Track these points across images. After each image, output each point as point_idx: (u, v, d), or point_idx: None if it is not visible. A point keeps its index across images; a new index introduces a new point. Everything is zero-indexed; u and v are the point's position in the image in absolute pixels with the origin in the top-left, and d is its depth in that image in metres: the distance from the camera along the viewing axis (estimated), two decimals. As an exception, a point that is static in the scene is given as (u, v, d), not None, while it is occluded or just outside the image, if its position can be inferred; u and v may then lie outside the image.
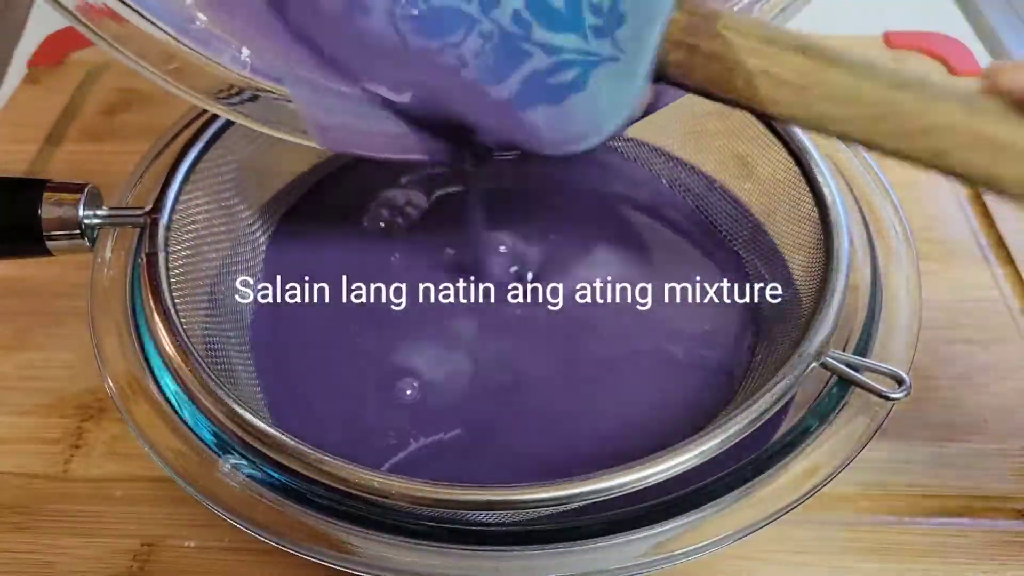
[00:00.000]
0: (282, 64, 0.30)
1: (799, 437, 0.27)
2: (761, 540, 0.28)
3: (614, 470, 0.24)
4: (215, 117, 0.34)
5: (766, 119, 0.34)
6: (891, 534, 0.31)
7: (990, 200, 0.42)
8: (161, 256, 0.30)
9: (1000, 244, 0.41)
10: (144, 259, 0.30)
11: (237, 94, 0.30)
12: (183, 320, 0.28)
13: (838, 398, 0.28)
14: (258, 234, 0.37)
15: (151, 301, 0.29)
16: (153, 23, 0.28)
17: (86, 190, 0.31)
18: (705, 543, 0.25)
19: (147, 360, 0.29)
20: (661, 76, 0.26)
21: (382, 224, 0.39)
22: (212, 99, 0.30)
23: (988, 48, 0.54)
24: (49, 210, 0.30)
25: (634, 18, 0.26)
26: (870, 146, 0.23)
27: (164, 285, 0.29)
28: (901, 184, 0.35)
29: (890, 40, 0.53)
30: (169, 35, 0.29)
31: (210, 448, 0.27)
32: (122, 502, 0.32)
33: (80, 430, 0.34)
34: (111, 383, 0.28)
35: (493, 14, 0.27)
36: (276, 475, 0.26)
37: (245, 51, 0.30)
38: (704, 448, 0.25)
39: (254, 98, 0.30)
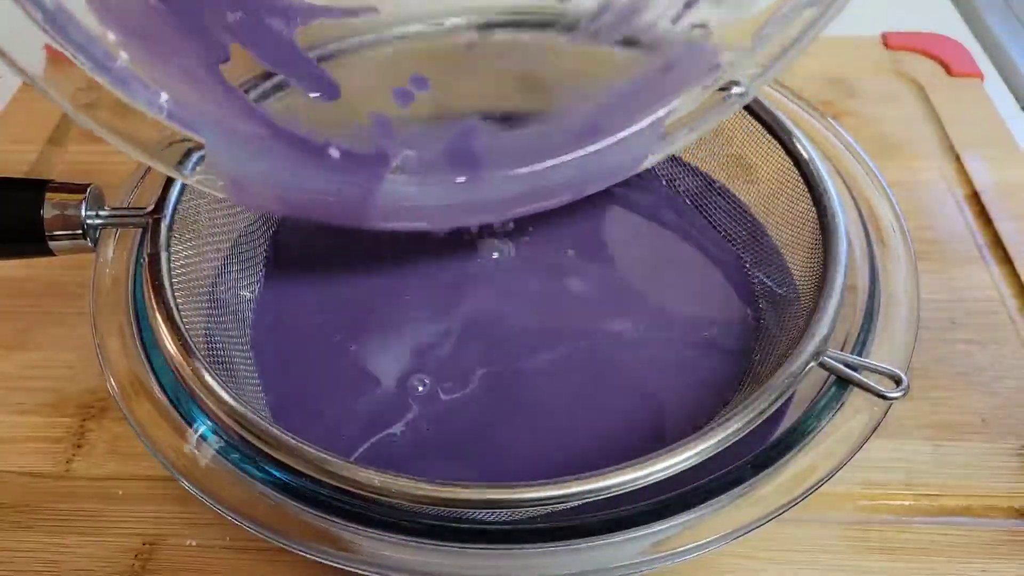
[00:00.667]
0: (202, 112, 0.28)
1: (798, 436, 0.27)
2: (760, 539, 0.28)
3: (613, 469, 0.24)
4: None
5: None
6: (890, 533, 0.31)
7: (987, 199, 0.43)
8: (163, 256, 0.30)
9: (997, 243, 0.41)
10: (146, 259, 0.30)
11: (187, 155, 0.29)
12: (185, 319, 0.28)
13: (836, 397, 0.28)
14: (258, 233, 0.37)
15: (153, 301, 0.29)
16: (74, 54, 0.26)
17: (88, 190, 0.31)
18: (704, 542, 0.25)
19: (149, 359, 0.29)
20: None
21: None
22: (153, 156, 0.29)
23: (986, 49, 0.54)
24: (51, 210, 0.30)
25: None
26: None
27: (166, 285, 0.29)
28: (899, 184, 0.35)
29: (888, 41, 0.53)
30: (86, 68, 0.26)
31: (211, 446, 0.27)
32: (124, 501, 0.32)
33: (82, 429, 0.34)
34: (113, 382, 0.28)
35: None
36: (277, 473, 0.26)
37: (164, 96, 0.28)
38: (703, 447, 0.25)
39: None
